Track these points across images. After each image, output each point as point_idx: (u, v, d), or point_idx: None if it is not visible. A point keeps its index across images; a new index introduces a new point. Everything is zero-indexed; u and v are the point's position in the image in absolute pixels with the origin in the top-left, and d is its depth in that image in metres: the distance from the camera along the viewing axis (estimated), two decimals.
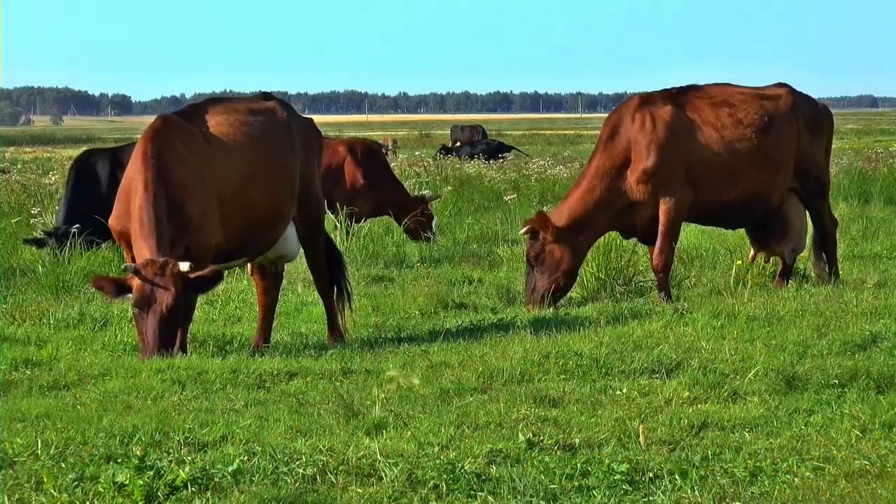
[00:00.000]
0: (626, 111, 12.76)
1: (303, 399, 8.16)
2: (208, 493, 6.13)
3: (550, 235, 12.43)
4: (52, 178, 24.49)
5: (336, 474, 6.39)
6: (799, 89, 13.43)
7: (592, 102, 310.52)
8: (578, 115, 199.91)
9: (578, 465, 6.44)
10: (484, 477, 6.31)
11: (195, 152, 10.00)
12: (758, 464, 6.53)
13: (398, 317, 11.96)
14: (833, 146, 14.01)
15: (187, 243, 9.70)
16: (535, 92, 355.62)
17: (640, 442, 6.97)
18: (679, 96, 12.89)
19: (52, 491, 6.13)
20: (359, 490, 6.21)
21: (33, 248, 15.58)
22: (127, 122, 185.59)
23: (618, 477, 6.30)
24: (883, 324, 10.29)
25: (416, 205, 18.59)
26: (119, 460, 6.48)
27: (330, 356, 9.67)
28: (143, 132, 10.16)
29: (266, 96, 11.03)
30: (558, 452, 6.75)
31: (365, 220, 18.11)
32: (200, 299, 10.72)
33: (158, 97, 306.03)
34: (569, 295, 12.70)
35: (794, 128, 13.10)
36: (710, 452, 6.76)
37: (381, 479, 6.32)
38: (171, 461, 6.49)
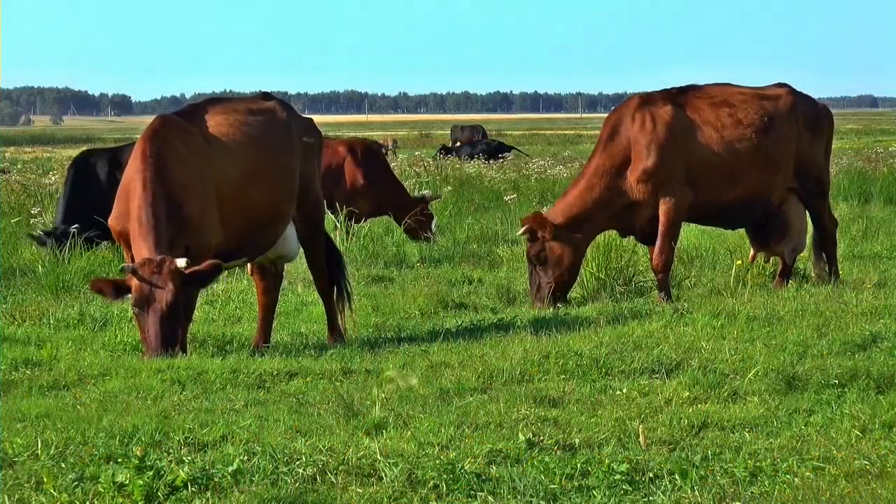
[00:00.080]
0: (627, 111, 12.77)
1: (303, 399, 8.16)
2: (208, 493, 6.13)
3: (549, 234, 12.44)
4: (52, 178, 24.49)
5: (336, 474, 6.38)
6: (799, 89, 13.43)
7: (592, 102, 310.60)
8: (578, 115, 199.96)
9: (578, 465, 6.44)
10: (484, 477, 6.31)
11: (194, 152, 10.00)
12: (758, 464, 6.53)
13: (398, 317, 11.95)
14: (833, 146, 14.01)
15: (187, 243, 9.70)
16: (535, 92, 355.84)
17: (640, 442, 6.96)
18: (679, 96, 12.89)
19: (52, 491, 6.13)
20: (359, 490, 6.21)
21: (34, 244, 15.58)
22: (127, 122, 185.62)
23: (618, 477, 6.30)
24: (883, 324, 10.29)
25: (415, 205, 18.59)
26: (119, 460, 6.48)
27: (330, 356, 9.67)
28: (142, 132, 10.16)
29: (266, 96, 11.04)
30: (558, 452, 6.75)
31: (365, 220, 18.10)
32: (200, 299, 10.72)
33: (158, 97, 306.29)
34: (569, 295, 12.70)
35: (794, 128, 13.10)
36: (710, 452, 6.75)
37: (381, 479, 6.32)
38: (171, 461, 6.49)
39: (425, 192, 19.97)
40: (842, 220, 15.75)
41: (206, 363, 9.14)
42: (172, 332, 9.36)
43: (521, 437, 6.92)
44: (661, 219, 12.53)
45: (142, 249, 9.49)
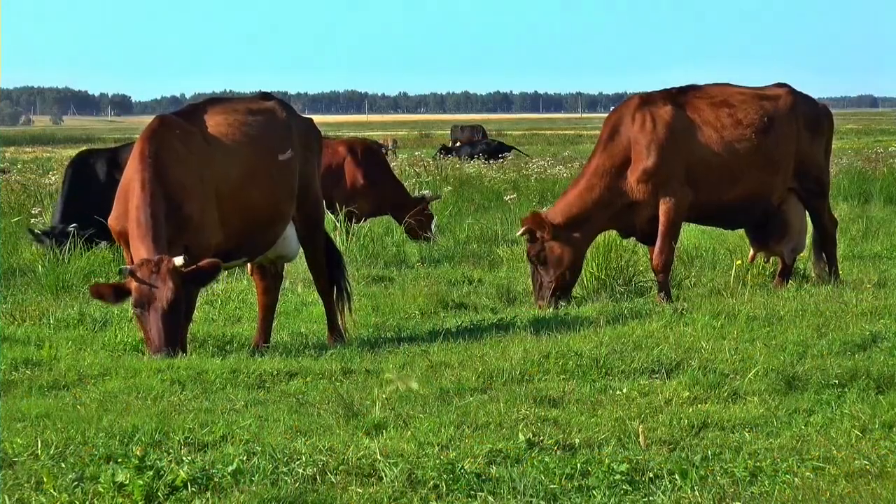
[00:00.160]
0: (627, 111, 12.77)
1: (303, 399, 8.16)
2: (208, 493, 6.12)
3: (548, 234, 12.45)
4: (52, 178, 24.51)
5: (336, 474, 6.38)
6: (799, 89, 13.43)
7: (592, 102, 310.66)
8: (578, 115, 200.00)
9: (578, 465, 6.44)
10: (484, 477, 6.30)
11: (194, 152, 10.00)
12: (758, 464, 6.53)
13: (398, 317, 11.95)
14: (833, 146, 14.01)
15: (186, 243, 9.70)
16: (535, 92, 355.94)
17: (640, 442, 6.96)
18: (679, 96, 12.90)
19: (52, 491, 6.13)
20: (359, 490, 6.20)
21: (32, 242, 15.58)
22: (127, 122, 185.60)
23: (618, 477, 6.30)
24: (883, 324, 10.29)
25: (416, 204, 18.59)
26: (119, 460, 6.48)
27: (330, 356, 9.67)
28: (141, 132, 10.17)
29: (265, 96, 11.04)
30: (558, 452, 6.75)
31: (365, 220, 18.11)
32: (200, 299, 10.71)
33: (158, 97, 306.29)
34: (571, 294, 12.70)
35: (793, 128, 13.10)
36: (710, 452, 6.75)
37: (381, 479, 6.32)
38: (171, 461, 6.48)
39: (425, 192, 19.97)
40: (842, 220, 15.75)
41: (206, 363, 9.14)
42: (175, 330, 9.36)
43: (521, 437, 6.92)
44: (661, 219, 12.53)
45: (140, 250, 9.50)
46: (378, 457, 6.49)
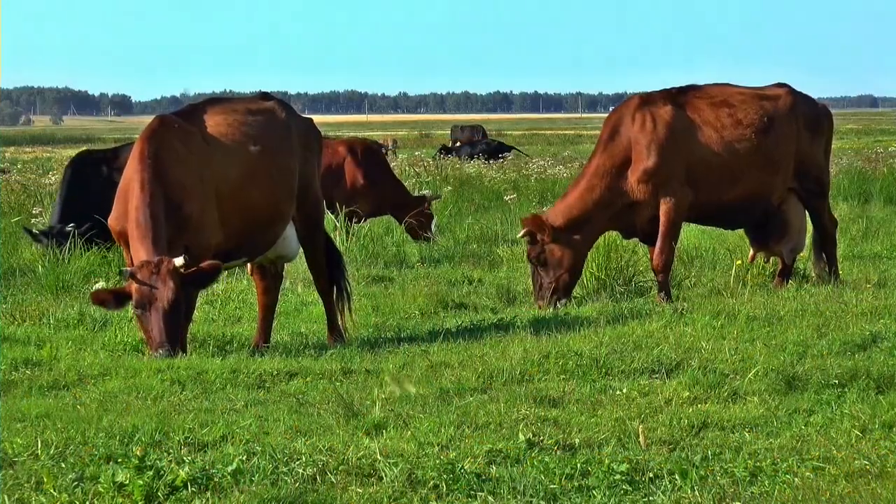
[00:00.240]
0: (627, 111, 12.77)
1: (303, 399, 8.16)
2: (208, 493, 6.12)
3: (548, 236, 12.45)
4: (52, 178, 24.51)
5: (336, 474, 6.38)
6: (799, 89, 13.43)
7: (592, 102, 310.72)
8: (578, 115, 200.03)
9: (578, 465, 6.44)
10: (484, 477, 6.30)
11: (194, 152, 10.00)
12: (758, 464, 6.53)
13: (398, 317, 11.95)
14: (833, 146, 14.01)
15: (186, 243, 9.70)
16: (535, 92, 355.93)
17: (640, 442, 6.96)
18: (679, 96, 12.90)
19: (52, 491, 6.13)
20: (359, 490, 6.20)
21: (31, 241, 15.57)
22: (127, 122, 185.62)
23: (618, 477, 6.30)
24: (883, 324, 10.29)
25: (416, 204, 18.60)
26: (119, 460, 6.48)
27: (330, 356, 9.67)
28: (141, 132, 10.17)
29: (265, 96, 11.04)
30: (558, 452, 6.75)
31: (365, 220, 18.11)
32: (200, 299, 10.71)
33: (158, 97, 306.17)
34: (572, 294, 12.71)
35: (793, 128, 13.11)
36: (710, 452, 6.75)
37: (381, 479, 6.32)
38: (171, 461, 6.48)
39: (425, 191, 19.98)
40: (842, 220, 15.75)
41: (206, 363, 9.14)
42: (175, 329, 9.37)
43: (521, 437, 6.92)
44: (662, 219, 12.53)
45: (140, 251, 9.50)
46: (378, 457, 6.49)
